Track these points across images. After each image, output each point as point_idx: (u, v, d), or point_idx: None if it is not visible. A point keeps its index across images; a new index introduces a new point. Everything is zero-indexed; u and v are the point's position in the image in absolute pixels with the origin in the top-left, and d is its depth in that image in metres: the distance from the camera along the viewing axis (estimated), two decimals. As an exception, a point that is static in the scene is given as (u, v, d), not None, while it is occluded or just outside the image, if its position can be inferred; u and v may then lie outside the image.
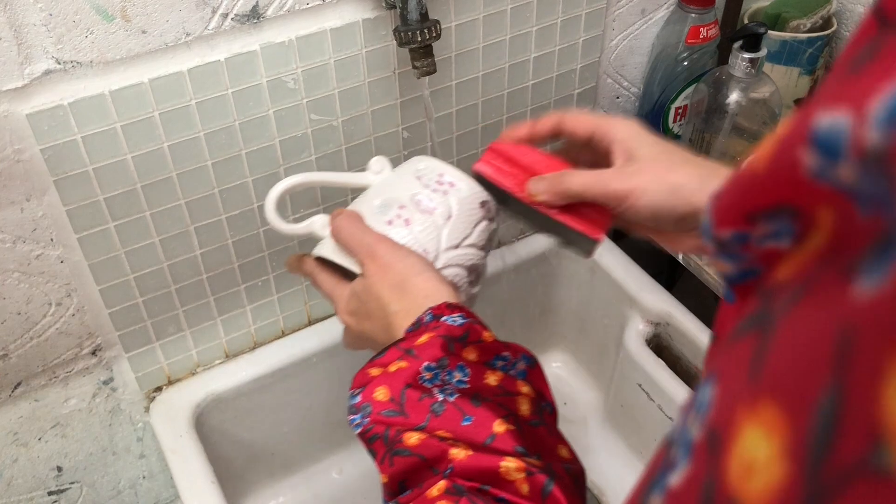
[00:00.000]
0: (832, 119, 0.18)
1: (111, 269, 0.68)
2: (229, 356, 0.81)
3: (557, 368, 1.03)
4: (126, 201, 0.65)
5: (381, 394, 0.45)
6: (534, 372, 0.48)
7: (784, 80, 0.86)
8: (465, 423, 0.43)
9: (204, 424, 0.78)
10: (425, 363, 0.45)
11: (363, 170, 0.60)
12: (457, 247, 0.56)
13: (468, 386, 0.45)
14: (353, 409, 0.46)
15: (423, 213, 0.55)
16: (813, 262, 0.20)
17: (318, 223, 0.58)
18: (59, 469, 0.79)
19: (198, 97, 0.62)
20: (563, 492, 0.40)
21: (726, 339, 0.23)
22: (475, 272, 0.57)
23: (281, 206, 0.62)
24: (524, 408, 0.45)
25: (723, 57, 0.84)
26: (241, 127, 0.66)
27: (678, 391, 0.82)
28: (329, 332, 0.83)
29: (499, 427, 0.43)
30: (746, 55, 0.77)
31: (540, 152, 0.56)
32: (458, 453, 0.41)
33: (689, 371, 0.85)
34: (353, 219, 0.55)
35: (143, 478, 0.86)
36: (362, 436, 0.45)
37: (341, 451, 0.92)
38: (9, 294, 0.65)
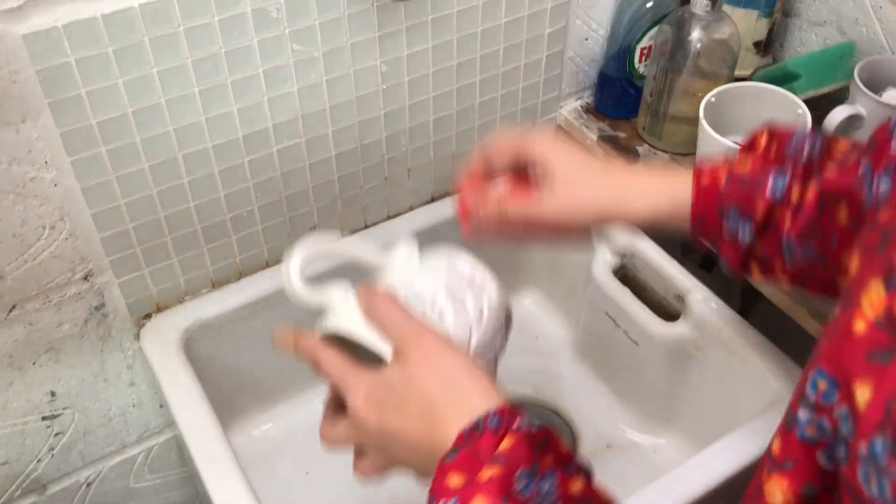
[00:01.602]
0: None
1: (103, 194, 0.71)
2: (215, 285, 0.84)
3: (530, 305, 1.07)
4: (117, 126, 0.67)
5: None
6: (592, 481, 0.47)
7: (743, 22, 0.90)
8: None
9: (192, 349, 0.81)
10: (519, 470, 0.42)
11: (386, 248, 0.58)
12: (482, 355, 0.54)
13: (557, 495, 0.42)
14: None
15: (456, 310, 0.53)
16: None
17: (338, 294, 0.53)
18: (53, 394, 0.82)
19: (185, 24, 0.65)
20: None
21: None
22: None
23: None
24: None
25: (685, -1, 0.88)
26: (227, 55, 0.69)
27: (643, 316, 0.87)
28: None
29: None
30: (707, -6, 0.81)
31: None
32: None
33: (653, 299, 0.90)
34: (393, 299, 0.51)
35: (133, 406, 0.89)
36: None
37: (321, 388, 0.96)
38: (4, 216, 0.67)
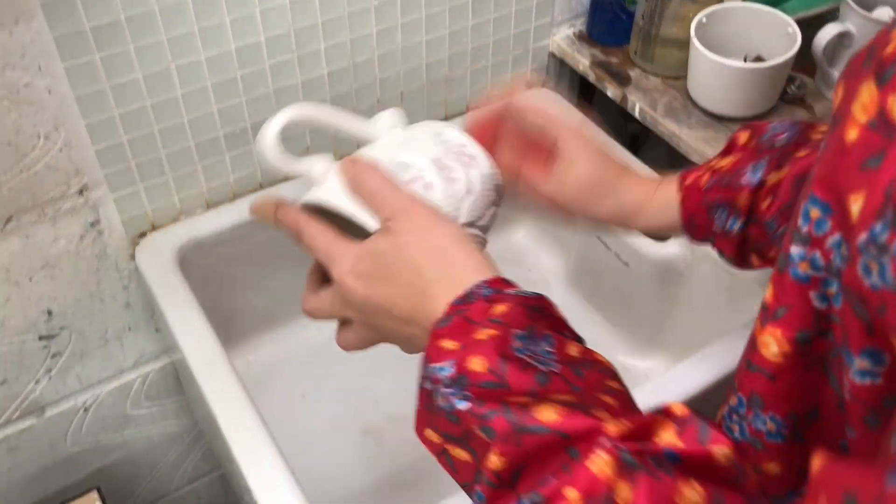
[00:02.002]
0: None
1: (97, 104, 0.71)
2: (210, 206, 0.85)
3: (523, 238, 1.08)
4: (111, 33, 0.68)
5: (477, 364, 0.40)
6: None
7: (735, -54, 0.91)
8: (575, 392, 0.40)
9: (188, 269, 0.81)
10: (515, 331, 0.41)
11: (368, 117, 0.55)
12: (471, 225, 0.52)
13: (555, 356, 0.41)
14: (448, 382, 0.40)
15: (445, 181, 0.50)
16: None
17: (320, 166, 0.51)
18: (49, 313, 0.82)
19: (177, -73, 0.65)
20: (718, 429, 0.36)
21: None
22: None
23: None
24: (612, 372, 0.43)
25: (677, -79, 0.88)
26: (219, -38, 0.69)
27: (634, 237, 0.88)
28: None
29: (606, 398, 0.40)
30: (698, -89, 0.81)
31: None
32: (613, 428, 0.36)
33: (644, 221, 0.90)
34: (377, 170, 0.49)
35: (129, 329, 0.90)
36: (471, 413, 0.39)
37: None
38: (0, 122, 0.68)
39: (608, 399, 0.40)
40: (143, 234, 0.82)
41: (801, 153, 0.56)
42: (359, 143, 0.55)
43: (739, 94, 0.82)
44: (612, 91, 0.91)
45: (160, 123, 0.75)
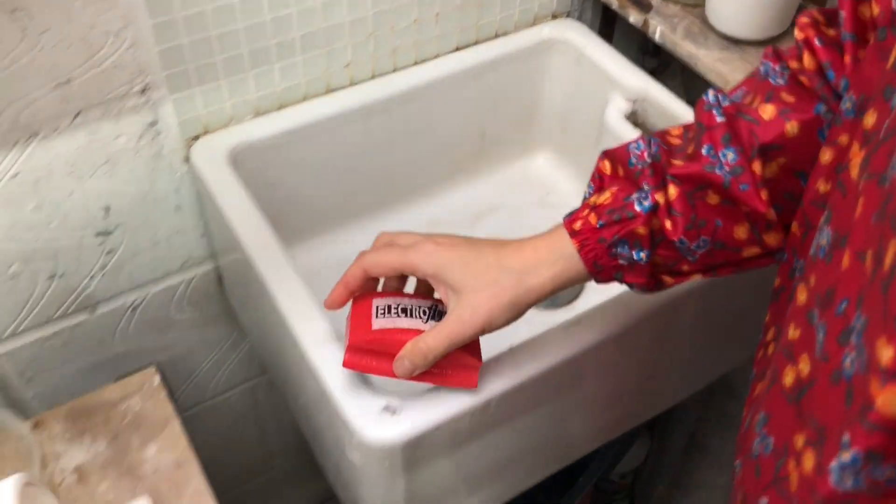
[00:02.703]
0: None
1: (163, 5, 0.76)
2: (258, 114, 0.90)
3: (542, 164, 1.14)
4: (179, -65, 0.73)
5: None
6: None
7: None
8: None
9: (239, 170, 0.87)
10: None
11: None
12: None
13: None
14: None
15: None
16: None
17: None
18: (107, 209, 0.88)
19: None
20: None
21: None
22: None
23: None
24: None
25: None
26: None
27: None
28: (346, 99, 0.93)
29: None
30: None
31: (392, 329, 0.61)
32: None
33: (661, 140, 0.96)
34: None
35: (178, 232, 0.96)
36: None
37: (351, 223, 1.03)
38: (76, 17, 0.73)
39: None
40: (196, 137, 0.88)
41: (676, 162, 0.58)
42: None
43: (754, 17, 0.88)
44: (633, 17, 0.97)
45: (217, 29, 0.81)
